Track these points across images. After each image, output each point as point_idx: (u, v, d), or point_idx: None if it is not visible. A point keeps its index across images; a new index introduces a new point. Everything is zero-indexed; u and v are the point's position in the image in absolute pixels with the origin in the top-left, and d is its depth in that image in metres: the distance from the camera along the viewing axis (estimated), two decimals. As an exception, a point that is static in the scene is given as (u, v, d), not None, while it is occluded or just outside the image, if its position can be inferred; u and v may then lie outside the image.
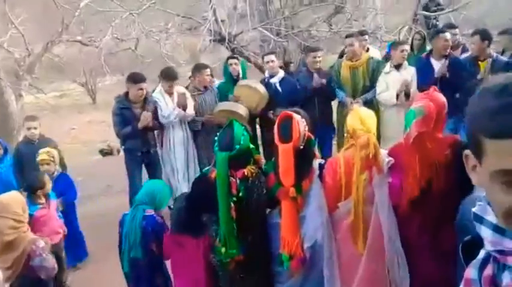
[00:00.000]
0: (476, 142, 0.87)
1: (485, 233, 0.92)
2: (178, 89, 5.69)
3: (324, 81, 5.70)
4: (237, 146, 2.85)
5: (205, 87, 5.90)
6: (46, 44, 9.22)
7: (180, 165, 5.65)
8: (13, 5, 9.19)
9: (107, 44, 8.84)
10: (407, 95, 5.25)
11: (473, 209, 0.96)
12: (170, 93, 5.55)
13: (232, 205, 2.81)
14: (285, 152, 2.81)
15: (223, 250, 2.86)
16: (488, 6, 9.03)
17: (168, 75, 5.59)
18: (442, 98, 2.85)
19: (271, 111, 5.63)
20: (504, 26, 8.37)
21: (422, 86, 5.10)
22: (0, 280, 2.75)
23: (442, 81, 5.12)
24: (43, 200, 4.22)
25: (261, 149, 6.10)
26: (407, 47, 5.72)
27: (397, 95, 5.30)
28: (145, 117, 5.19)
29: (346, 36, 6.21)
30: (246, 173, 2.87)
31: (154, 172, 5.46)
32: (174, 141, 5.65)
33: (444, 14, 9.26)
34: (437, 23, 9.89)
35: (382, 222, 2.79)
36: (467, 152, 0.94)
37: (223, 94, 5.90)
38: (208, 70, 5.93)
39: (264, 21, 9.66)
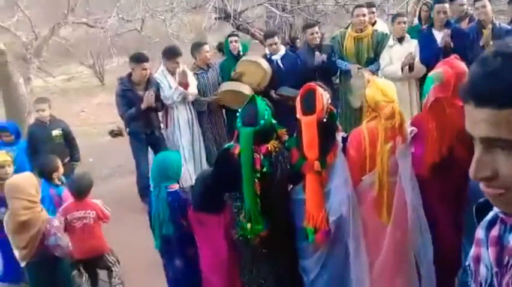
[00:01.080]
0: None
1: None
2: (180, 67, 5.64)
3: (324, 57, 5.67)
4: (262, 121, 2.85)
5: (208, 66, 5.86)
6: (52, 27, 9.23)
7: (185, 145, 5.62)
8: (18, -11, 9.19)
9: (113, 25, 8.85)
10: (410, 68, 5.25)
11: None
12: (173, 73, 5.49)
13: (256, 181, 2.81)
14: (308, 124, 2.82)
15: (248, 225, 2.86)
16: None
17: (170, 53, 5.53)
18: (462, 65, 2.82)
19: (274, 91, 5.63)
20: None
21: (426, 58, 5.20)
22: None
23: (445, 52, 5.09)
24: (60, 182, 4.29)
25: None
26: (405, 19, 5.72)
27: (402, 68, 5.30)
28: (148, 97, 5.18)
29: (356, 7, 6.13)
30: (269, 149, 2.87)
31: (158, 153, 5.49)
32: (179, 122, 5.61)
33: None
34: (446, -7, 9.70)
35: (405, 192, 2.81)
36: None
37: (226, 72, 5.87)
38: (207, 47, 5.88)
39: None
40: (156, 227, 3.22)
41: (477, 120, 0.83)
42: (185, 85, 5.43)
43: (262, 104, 2.91)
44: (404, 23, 5.57)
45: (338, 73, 6.06)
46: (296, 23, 9.51)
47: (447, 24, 5.37)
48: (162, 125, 5.74)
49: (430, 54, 5.18)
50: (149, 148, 5.66)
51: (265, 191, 2.86)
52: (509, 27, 5.40)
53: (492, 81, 0.79)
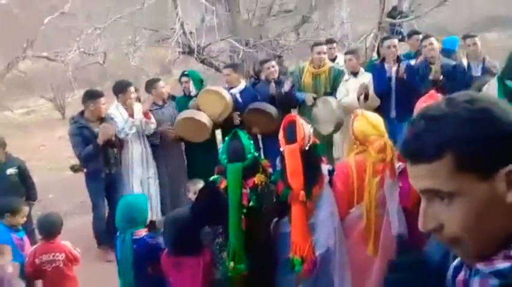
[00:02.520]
0: None
1: None
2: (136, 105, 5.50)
3: (287, 87, 5.68)
4: (249, 156, 2.86)
5: (163, 101, 5.79)
6: (8, 64, 9.03)
7: (136, 183, 5.46)
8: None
9: (74, 58, 8.73)
10: (366, 97, 5.42)
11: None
12: (127, 107, 5.34)
13: (242, 216, 2.80)
14: (291, 153, 2.85)
15: (231, 264, 2.82)
16: (450, 13, 9.31)
17: (122, 85, 5.44)
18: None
19: (237, 113, 5.57)
20: (465, 31, 8.64)
21: (379, 90, 5.42)
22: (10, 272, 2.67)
23: (397, 86, 5.39)
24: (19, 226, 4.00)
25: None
26: (351, 57, 5.87)
27: (358, 98, 5.46)
28: (105, 129, 4.97)
29: (315, 44, 6.29)
30: (256, 182, 2.88)
31: (115, 195, 5.18)
32: (132, 158, 5.45)
33: (408, 21, 9.50)
34: (402, 29, 10.14)
35: (392, 225, 2.85)
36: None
37: (183, 108, 5.77)
38: (161, 83, 5.85)
39: (233, 32, 9.71)
40: (121, 274, 3.11)
41: (414, 175, 0.93)
42: (146, 114, 5.35)
43: (245, 138, 2.94)
44: (350, 60, 5.78)
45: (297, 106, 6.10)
46: (259, 57, 9.66)
47: (398, 59, 5.61)
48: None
49: (383, 86, 5.43)
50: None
51: (250, 226, 2.84)
52: (454, 62, 5.70)
53: (418, 142, 0.90)
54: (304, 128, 2.92)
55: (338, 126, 5.42)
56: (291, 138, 2.88)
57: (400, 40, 10.07)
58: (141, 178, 5.49)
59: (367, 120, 2.99)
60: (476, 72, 5.38)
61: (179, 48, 8.74)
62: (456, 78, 5.26)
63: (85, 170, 5.22)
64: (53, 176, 9.04)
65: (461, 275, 0.98)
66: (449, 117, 0.88)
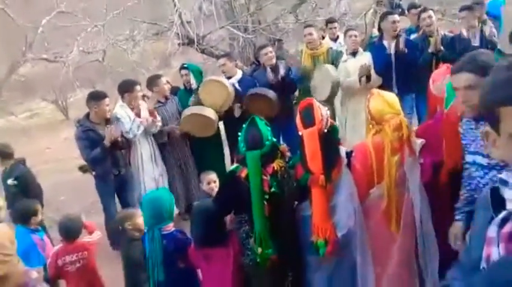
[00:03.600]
0: (493, 113, 0.98)
1: (508, 194, 1.03)
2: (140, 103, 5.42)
3: (279, 77, 5.62)
4: (267, 143, 2.87)
5: (166, 98, 5.74)
6: (11, 65, 8.99)
7: (148, 182, 5.41)
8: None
9: (74, 58, 8.67)
10: (368, 78, 5.37)
11: (500, 175, 1.07)
12: (132, 107, 5.28)
13: (265, 203, 2.81)
14: (310, 136, 2.84)
15: (259, 250, 2.84)
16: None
17: (125, 87, 5.34)
18: None
19: (238, 104, 5.54)
20: (468, 2, 8.53)
21: (379, 68, 5.37)
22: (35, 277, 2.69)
23: (396, 62, 5.35)
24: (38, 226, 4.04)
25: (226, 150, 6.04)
26: (355, 33, 5.83)
27: (360, 80, 5.41)
28: (111, 131, 4.89)
29: (305, 26, 6.28)
30: (275, 168, 2.89)
31: (126, 194, 5.22)
32: (142, 158, 5.39)
33: (406, -6, 9.37)
34: (401, 2, 10.01)
35: (414, 204, 2.84)
36: (486, 128, 1.03)
37: (184, 102, 5.75)
38: (163, 79, 5.79)
39: (231, 19, 9.61)
40: (150, 272, 3.08)
41: None
42: (152, 115, 5.29)
43: (263, 124, 2.93)
44: (356, 36, 5.70)
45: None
46: (259, 42, 9.59)
47: (396, 35, 5.55)
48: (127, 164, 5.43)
49: (383, 65, 5.39)
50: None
51: (274, 212, 2.85)
52: (451, 34, 5.69)
53: None
54: (322, 111, 2.91)
55: (334, 89, 5.36)
56: (308, 121, 2.87)
57: (399, 14, 9.98)
58: (152, 175, 5.46)
59: (383, 99, 2.97)
60: (475, 42, 5.32)
61: (178, 39, 8.67)
62: (455, 49, 5.23)
63: (94, 172, 5.14)
64: (62, 178, 9.06)
65: (507, 227, 1.00)
66: None
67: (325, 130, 2.88)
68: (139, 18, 9.00)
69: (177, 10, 8.14)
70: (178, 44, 8.90)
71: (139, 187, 5.39)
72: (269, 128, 2.94)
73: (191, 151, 5.87)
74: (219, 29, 9.15)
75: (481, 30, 5.43)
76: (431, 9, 5.75)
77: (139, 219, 3.34)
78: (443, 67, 3.08)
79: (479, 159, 2.43)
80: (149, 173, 5.42)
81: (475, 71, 2.18)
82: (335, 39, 7.22)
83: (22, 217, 3.98)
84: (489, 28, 5.48)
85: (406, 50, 5.33)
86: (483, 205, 1.12)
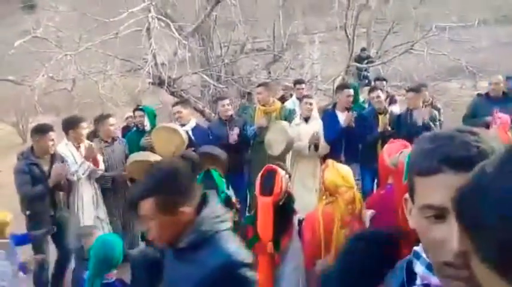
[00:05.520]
0: (410, 182, 1.00)
1: (419, 268, 1.04)
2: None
3: (237, 131, 5.61)
4: (222, 195, 2.93)
5: (113, 139, 5.54)
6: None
7: (89, 223, 5.02)
8: None
9: (41, 83, 8.57)
10: (316, 147, 5.53)
11: (415, 247, 1.08)
12: (78, 146, 5.08)
13: None
14: (264, 206, 2.81)
15: None
16: (416, 61, 9.71)
17: (70, 123, 5.11)
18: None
19: (192, 148, 5.38)
20: (428, 79, 9.03)
21: (329, 137, 5.56)
22: None
23: (347, 133, 5.54)
24: None
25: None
26: (311, 101, 5.92)
27: (309, 147, 5.55)
28: (58, 170, 4.61)
29: (257, 86, 6.40)
30: None
31: (61, 238, 4.85)
32: (82, 201, 5.10)
33: (374, 67, 9.85)
34: (368, 74, 10.50)
35: None
36: (406, 195, 1.04)
37: (134, 145, 5.62)
38: (111, 119, 5.59)
39: (205, 66, 9.80)
40: None
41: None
42: (94, 160, 5.07)
43: (218, 176, 3.00)
44: (311, 104, 5.79)
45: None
46: (230, 93, 9.77)
47: (349, 108, 5.78)
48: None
49: (334, 135, 5.58)
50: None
51: None
52: (399, 111, 6.08)
53: (470, 149, 0.90)
54: (283, 183, 2.89)
55: (289, 146, 5.40)
56: (266, 190, 2.86)
57: (365, 85, 10.46)
58: (92, 217, 5.14)
59: (337, 172, 3.01)
60: (420, 121, 5.53)
61: (150, 79, 8.73)
62: (401, 128, 5.52)
63: (28, 212, 4.67)
64: (10, 205, 8.67)
65: None
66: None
67: (281, 202, 2.87)
68: (114, 53, 9.04)
69: (152, 50, 8.24)
70: (149, 83, 8.95)
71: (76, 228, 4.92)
72: (224, 180, 2.95)
73: None
74: (192, 74, 9.28)
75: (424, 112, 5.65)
76: (380, 89, 6.05)
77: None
78: (397, 142, 3.17)
79: None
80: (90, 216, 5.10)
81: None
82: (301, 99, 7.42)
83: None
84: (430, 111, 5.77)
85: (354, 125, 5.55)
86: (396, 276, 1.12)
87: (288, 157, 5.83)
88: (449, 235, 0.87)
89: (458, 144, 0.92)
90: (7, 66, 9.47)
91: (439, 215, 0.91)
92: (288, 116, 5.89)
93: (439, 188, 0.91)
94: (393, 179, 3.05)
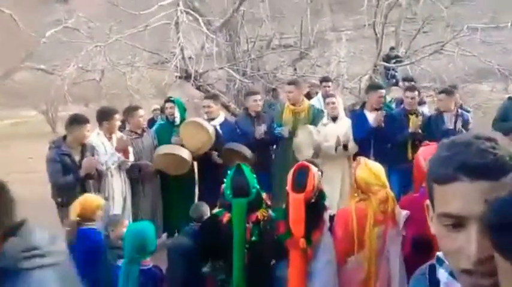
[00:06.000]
0: (429, 189, 0.98)
1: (442, 275, 1.03)
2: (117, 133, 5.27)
3: (264, 127, 5.60)
4: (253, 191, 2.87)
5: (142, 130, 5.57)
6: (7, 70, 9.04)
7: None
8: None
9: (71, 73, 8.75)
10: (345, 147, 5.45)
11: (437, 253, 1.06)
12: (109, 137, 5.13)
13: (245, 251, 2.79)
14: (296, 202, 2.82)
15: None
16: (446, 61, 9.53)
17: (105, 114, 5.15)
18: None
19: (215, 152, 5.47)
20: (458, 81, 8.86)
21: (358, 137, 5.46)
22: None
23: (376, 133, 5.43)
24: None
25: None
26: (334, 100, 5.76)
27: (336, 148, 5.47)
28: (90, 162, 4.64)
29: (287, 84, 6.31)
30: (258, 217, 2.88)
31: None
32: (113, 191, 5.17)
33: (402, 66, 9.71)
34: (396, 74, 10.35)
35: (392, 276, 2.84)
36: (427, 202, 1.03)
37: (162, 137, 5.65)
38: (141, 111, 5.63)
39: (231, 61, 9.84)
40: None
41: (475, 197, 0.88)
42: (125, 152, 5.11)
43: (249, 172, 2.94)
44: (333, 103, 5.67)
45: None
46: (255, 88, 9.78)
47: (379, 109, 5.66)
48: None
49: (363, 135, 5.47)
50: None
51: (252, 262, 2.83)
52: (429, 113, 5.89)
53: (486, 156, 0.89)
54: (315, 179, 2.89)
55: (316, 151, 5.38)
56: (299, 186, 2.85)
57: (393, 85, 10.31)
58: (121, 209, 5.20)
59: (369, 170, 2.99)
60: (450, 125, 5.44)
61: (177, 72, 8.81)
62: (430, 131, 5.38)
63: (59, 199, 4.71)
64: (39, 189, 8.90)
65: None
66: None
67: (313, 199, 2.87)
68: (142, 45, 9.16)
69: (179, 44, 8.31)
70: (176, 77, 9.04)
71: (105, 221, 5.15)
72: (254, 176, 2.96)
73: (161, 186, 5.71)
74: (218, 69, 9.33)
75: (456, 115, 5.55)
76: (417, 90, 5.85)
77: (124, 229, 3.30)
78: (434, 145, 3.12)
79: None
80: (118, 204, 5.16)
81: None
82: (326, 97, 7.37)
83: None
84: (463, 113, 5.65)
85: (383, 125, 5.43)
86: (419, 282, 1.12)
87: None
88: (468, 243, 0.88)
89: (474, 151, 0.91)
90: (39, 56, 9.69)
91: (456, 223, 0.91)
92: (316, 116, 5.84)
93: (456, 197, 0.90)
94: None
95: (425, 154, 3.09)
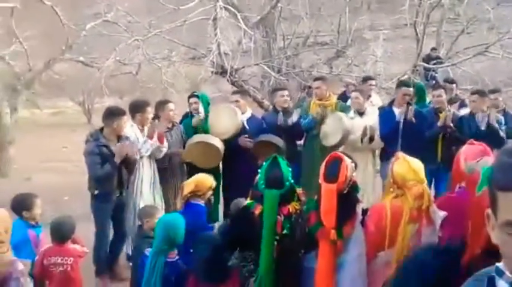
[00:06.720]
0: (492, 197, 0.96)
1: (502, 286, 1.00)
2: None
3: (295, 118, 5.65)
4: (287, 183, 2.84)
5: (172, 124, 5.58)
6: (48, 61, 9.25)
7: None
8: (20, 20, 9.24)
9: (109, 66, 8.89)
10: (371, 139, 5.41)
11: (497, 264, 1.02)
12: (142, 129, 5.17)
13: (275, 243, 2.77)
14: (328, 193, 2.77)
15: None
16: (488, 64, 9.25)
17: (138, 107, 5.21)
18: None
19: (246, 135, 5.46)
20: (499, 84, 8.56)
21: (385, 133, 5.45)
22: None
23: (405, 128, 5.36)
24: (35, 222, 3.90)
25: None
26: (358, 95, 5.85)
27: (362, 139, 5.44)
28: (125, 147, 4.68)
29: (314, 80, 6.31)
30: (290, 210, 2.85)
31: (121, 219, 4.97)
32: (142, 182, 5.16)
33: (443, 68, 9.46)
34: (436, 75, 10.09)
35: None
36: (488, 211, 1.00)
37: (189, 130, 5.67)
38: (171, 105, 5.62)
39: (267, 58, 9.79)
40: None
41: None
42: (160, 138, 5.14)
43: (285, 165, 2.91)
44: (357, 98, 5.75)
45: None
46: (291, 86, 9.70)
47: (408, 104, 5.58)
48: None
49: (389, 130, 5.43)
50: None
51: (281, 255, 2.80)
52: (461, 113, 5.84)
53: None
54: (348, 170, 2.82)
55: (345, 137, 5.33)
56: (331, 177, 2.79)
57: (433, 86, 10.03)
58: (148, 203, 5.14)
59: (408, 165, 2.92)
60: (482, 125, 5.39)
61: (212, 68, 8.83)
62: (463, 130, 5.35)
63: (96, 191, 4.76)
64: (71, 178, 9.07)
65: None
66: None
67: (345, 191, 2.80)
68: (180, 40, 9.22)
69: (216, 40, 8.32)
70: (212, 72, 9.06)
71: (132, 212, 5.11)
72: (290, 169, 2.91)
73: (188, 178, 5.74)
74: (254, 65, 9.30)
75: (489, 116, 5.44)
76: (443, 88, 5.88)
77: (156, 221, 3.34)
78: (477, 146, 2.98)
79: None
80: (146, 199, 5.18)
81: None
82: (367, 97, 7.22)
83: (14, 209, 3.93)
84: (495, 114, 5.51)
85: (414, 120, 5.36)
86: None
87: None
88: None
89: None
90: (78, 48, 9.87)
91: None
92: (343, 111, 5.77)
93: None
94: (466, 185, 2.89)
95: (467, 155, 2.96)
